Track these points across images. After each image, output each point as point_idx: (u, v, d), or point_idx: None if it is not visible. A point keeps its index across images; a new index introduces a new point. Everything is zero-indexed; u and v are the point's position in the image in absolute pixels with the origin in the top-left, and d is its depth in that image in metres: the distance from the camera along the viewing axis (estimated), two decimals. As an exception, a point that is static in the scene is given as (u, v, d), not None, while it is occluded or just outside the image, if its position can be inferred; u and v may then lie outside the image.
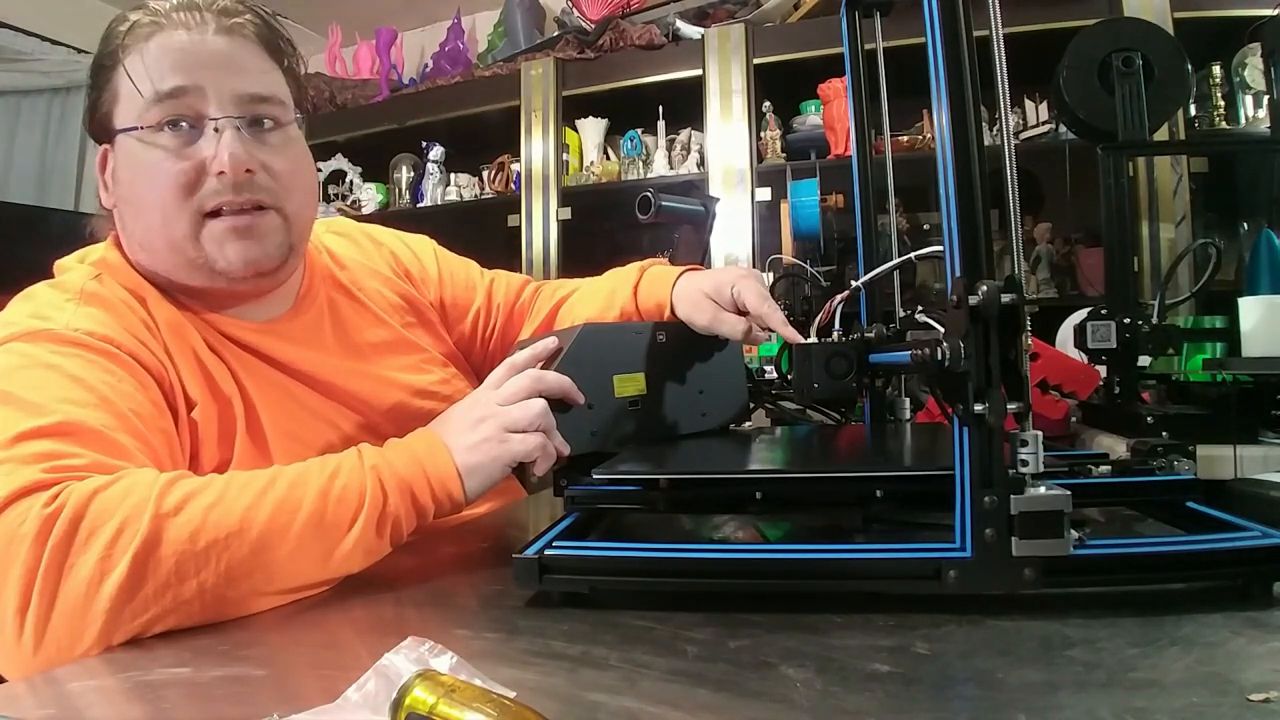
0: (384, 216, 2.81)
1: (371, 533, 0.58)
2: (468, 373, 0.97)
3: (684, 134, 2.55)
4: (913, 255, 0.75)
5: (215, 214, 0.70)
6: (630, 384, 0.76)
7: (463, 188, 2.82)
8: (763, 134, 2.35)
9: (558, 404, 0.69)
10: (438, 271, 0.98)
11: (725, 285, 0.82)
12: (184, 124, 0.69)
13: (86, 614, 0.49)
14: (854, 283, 0.81)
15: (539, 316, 1.00)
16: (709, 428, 0.83)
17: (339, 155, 2.93)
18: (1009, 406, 0.45)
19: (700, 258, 0.90)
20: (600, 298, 0.96)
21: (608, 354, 0.75)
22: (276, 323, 0.78)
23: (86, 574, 0.49)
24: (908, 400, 0.87)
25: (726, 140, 2.35)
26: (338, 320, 0.84)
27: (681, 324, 0.84)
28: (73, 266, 0.73)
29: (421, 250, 1.00)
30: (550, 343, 0.74)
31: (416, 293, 0.95)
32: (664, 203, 0.87)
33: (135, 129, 0.69)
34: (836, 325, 0.77)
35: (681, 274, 0.89)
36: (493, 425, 0.65)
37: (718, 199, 0.90)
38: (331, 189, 2.94)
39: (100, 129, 0.72)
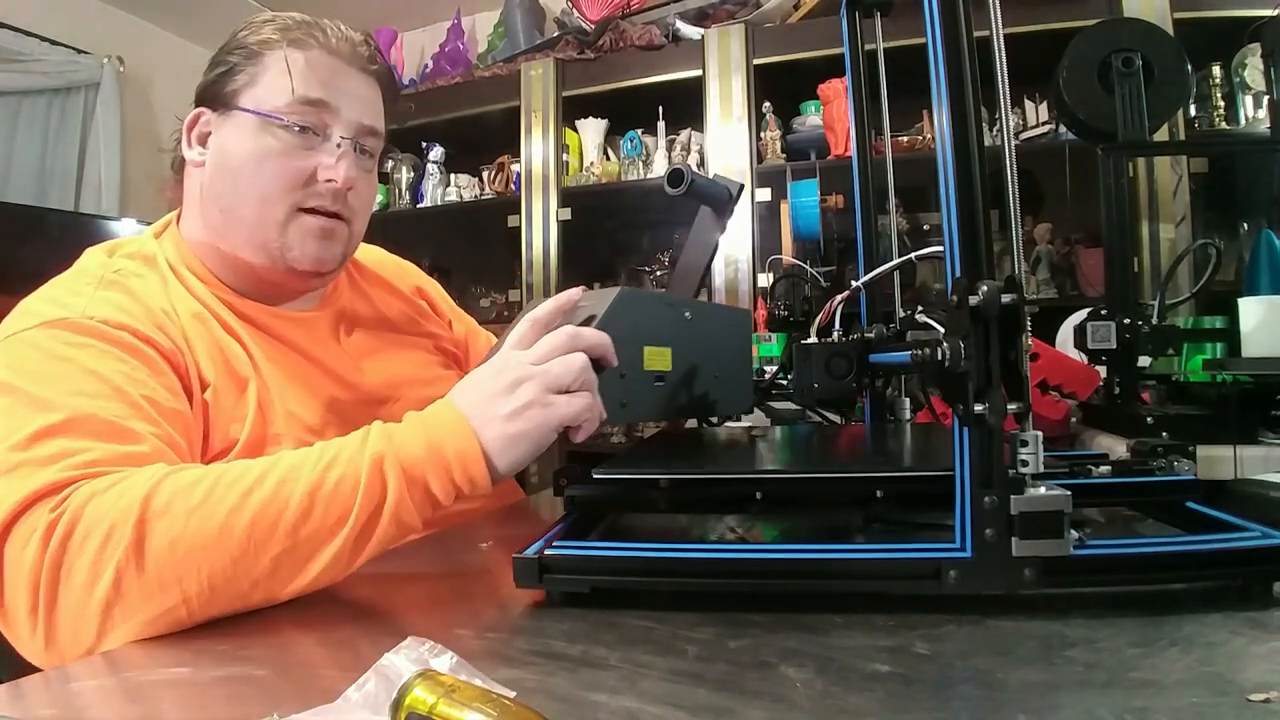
0: (384, 216, 2.80)
1: (363, 533, 0.55)
2: None
3: (684, 134, 2.55)
4: (913, 255, 0.76)
5: (308, 210, 0.77)
6: (658, 358, 0.71)
7: (463, 188, 2.82)
8: (763, 134, 2.35)
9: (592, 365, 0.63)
10: (465, 326, 1.06)
11: None
12: (313, 131, 0.76)
13: (83, 617, 0.50)
14: (854, 283, 0.81)
15: None
16: (721, 415, 0.82)
17: (339, 155, 2.93)
18: (1009, 406, 0.45)
19: (714, 246, 0.88)
20: None
21: (641, 323, 0.70)
22: (302, 315, 0.83)
23: (81, 579, 0.50)
24: (908, 400, 0.87)
25: (726, 140, 2.35)
26: (356, 319, 0.89)
27: (707, 304, 0.82)
28: (98, 256, 0.75)
29: (449, 303, 1.07)
30: (574, 293, 0.67)
31: (435, 316, 1.01)
32: (696, 178, 0.85)
33: (270, 116, 0.75)
34: (836, 325, 0.77)
35: None
36: (534, 388, 0.58)
37: (742, 185, 0.88)
38: (331, 189, 2.94)
39: (219, 97, 0.77)
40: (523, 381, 0.58)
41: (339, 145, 0.77)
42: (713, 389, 0.79)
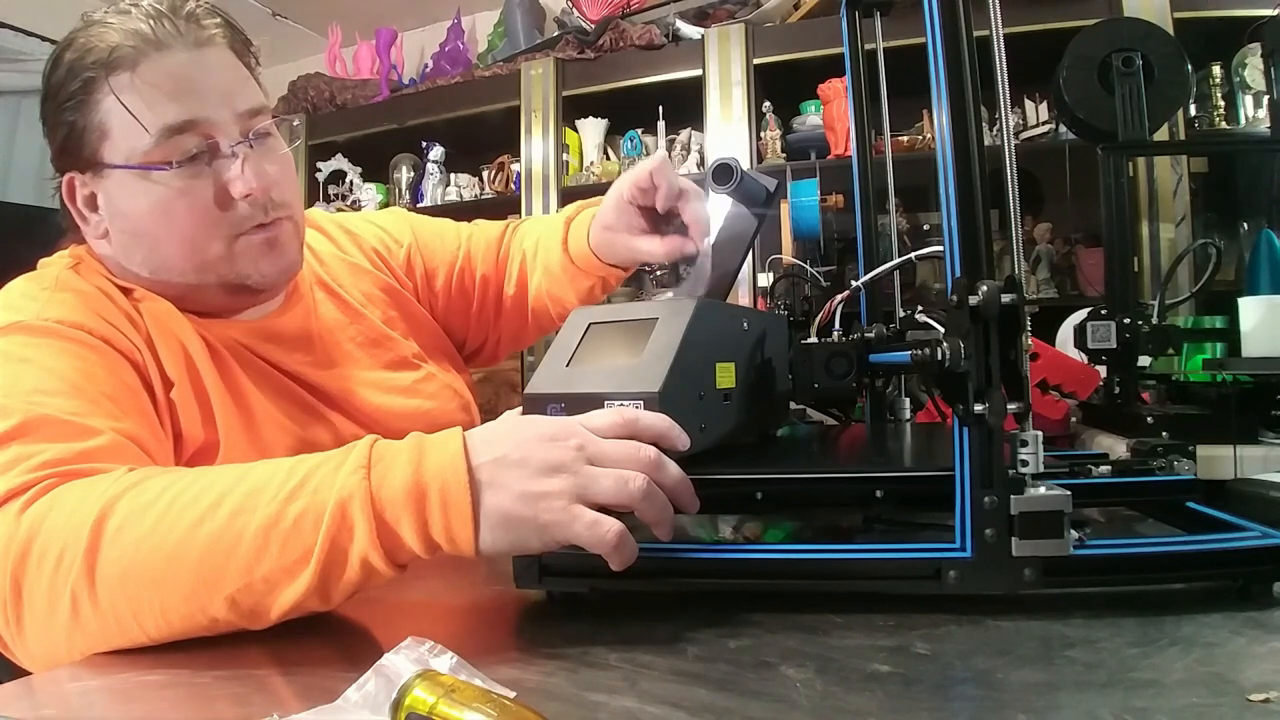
0: (384, 216, 2.80)
1: (329, 575, 0.48)
2: (451, 354, 0.95)
3: (684, 134, 2.55)
4: (913, 255, 0.75)
5: (245, 231, 0.70)
6: (725, 375, 0.65)
7: (463, 188, 2.82)
8: (763, 134, 2.35)
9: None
10: (411, 235, 0.95)
11: (620, 201, 0.80)
12: (199, 152, 0.67)
13: (50, 637, 0.50)
14: (854, 283, 0.81)
15: (512, 278, 0.95)
16: (773, 430, 0.78)
17: (339, 155, 2.93)
18: (1009, 406, 0.45)
19: (748, 246, 0.81)
20: (545, 261, 0.92)
21: (715, 336, 0.64)
22: (269, 319, 0.78)
23: (41, 605, 0.49)
24: (908, 400, 0.87)
25: (726, 140, 2.35)
26: (322, 318, 0.83)
27: (753, 310, 0.75)
28: (54, 262, 0.73)
29: (393, 225, 0.96)
30: (674, 435, 0.53)
31: (394, 279, 0.92)
32: (745, 175, 0.74)
33: (146, 167, 0.66)
34: (836, 325, 0.77)
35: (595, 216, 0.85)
36: (568, 486, 0.47)
37: (779, 183, 0.81)
38: (331, 189, 2.94)
39: (80, 160, 0.69)
40: (563, 471, 0.48)
41: (234, 153, 0.68)
42: (766, 402, 0.73)
